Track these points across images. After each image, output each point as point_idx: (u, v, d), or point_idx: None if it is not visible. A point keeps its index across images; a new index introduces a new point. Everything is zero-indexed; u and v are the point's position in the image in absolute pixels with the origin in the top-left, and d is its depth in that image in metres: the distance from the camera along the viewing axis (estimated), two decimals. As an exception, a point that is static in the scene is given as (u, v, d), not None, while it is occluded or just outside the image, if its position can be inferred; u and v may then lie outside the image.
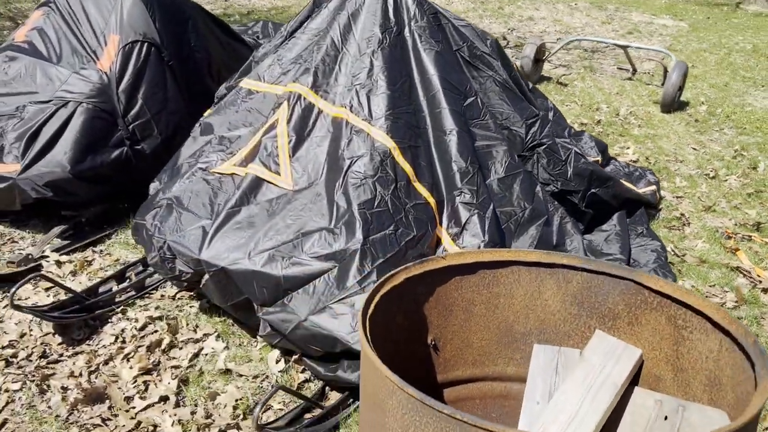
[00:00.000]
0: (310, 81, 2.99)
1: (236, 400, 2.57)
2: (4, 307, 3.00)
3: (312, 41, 3.14)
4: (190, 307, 3.09)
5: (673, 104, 6.66)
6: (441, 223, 2.89)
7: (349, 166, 2.76)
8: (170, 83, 3.87)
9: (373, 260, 2.57)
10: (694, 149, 5.82)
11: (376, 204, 2.69)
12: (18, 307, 2.69)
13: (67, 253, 3.40)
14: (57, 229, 3.45)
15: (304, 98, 2.95)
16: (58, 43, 3.75)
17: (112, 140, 3.58)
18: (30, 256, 3.28)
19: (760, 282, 3.63)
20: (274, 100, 3.06)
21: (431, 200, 2.86)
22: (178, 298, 3.15)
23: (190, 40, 4.05)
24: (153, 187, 3.24)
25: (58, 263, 3.32)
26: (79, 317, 2.87)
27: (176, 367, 2.74)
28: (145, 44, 3.75)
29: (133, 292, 3.12)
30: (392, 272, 1.84)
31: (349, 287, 2.52)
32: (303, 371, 2.74)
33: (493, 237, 2.84)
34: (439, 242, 2.87)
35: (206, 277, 2.70)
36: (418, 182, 2.85)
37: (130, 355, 2.77)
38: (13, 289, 2.63)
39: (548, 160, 3.39)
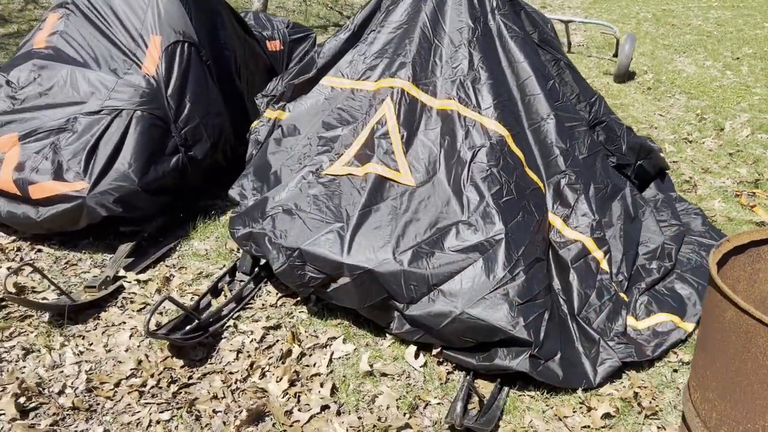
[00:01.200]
0: (410, 75, 2.97)
1: (396, 400, 2.57)
2: (106, 334, 2.82)
3: (395, 34, 3.11)
4: (300, 312, 3.02)
5: (627, 74, 7.08)
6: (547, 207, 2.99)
7: (472, 158, 2.79)
8: (211, 84, 3.70)
9: (517, 248, 2.63)
10: (661, 115, 6.23)
11: (504, 193, 2.74)
12: (153, 334, 2.54)
13: (143, 271, 3.22)
14: (125, 247, 3.24)
15: (407, 93, 2.94)
16: (89, 46, 3.48)
17: (168, 148, 3.39)
18: (108, 278, 3.07)
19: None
20: (367, 96, 3.02)
21: (540, 184, 2.95)
22: (280, 305, 3.07)
23: (220, 37, 3.88)
24: (235, 193, 3.12)
25: (139, 282, 3.13)
26: (202, 336, 2.75)
27: (317, 374, 2.69)
28: (186, 44, 3.57)
29: (233, 304, 3.01)
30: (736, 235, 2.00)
31: (500, 277, 2.57)
32: (441, 363, 2.77)
33: (601, 215, 2.97)
34: (549, 226, 2.96)
35: (343, 280, 2.66)
36: (528, 167, 2.93)
37: (267, 369, 2.69)
38: (148, 317, 2.48)
39: (606, 136, 3.56)
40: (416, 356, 2.77)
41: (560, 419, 2.55)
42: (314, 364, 2.74)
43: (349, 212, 2.71)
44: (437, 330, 2.59)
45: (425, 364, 2.76)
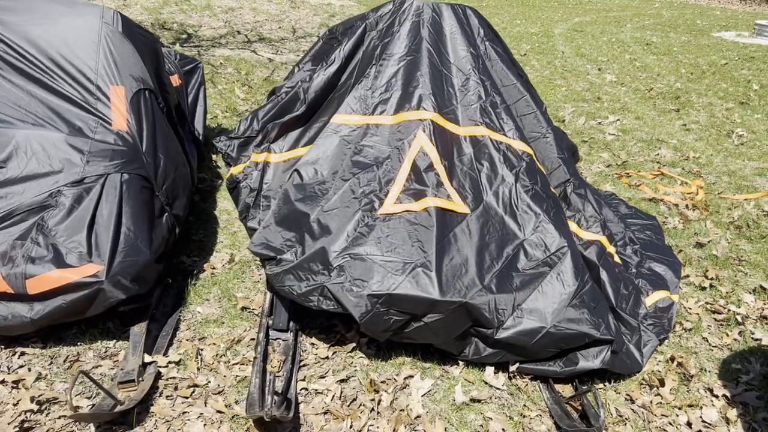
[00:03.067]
0: (435, 106, 3.00)
1: (506, 426, 2.64)
2: (173, 430, 2.49)
3: (400, 66, 3.11)
4: (359, 358, 2.93)
5: None
6: (561, 212, 3.24)
7: (516, 179, 2.92)
8: (172, 133, 3.37)
9: (577, 257, 2.84)
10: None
11: (550, 207, 2.93)
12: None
13: (166, 351, 2.86)
14: (139, 329, 2.85)
15: (437, 124, 2.97)
16: (35, 103, 2.96)
17: (156, 209, 3.04)
18: (141, 368, 2.69)
19: (677, 205, 4.74)
20: (391, 130, 3.00)
21: (556, 193, 3.19)
22: (334, 356, 2.94)
23: (162, 78, 3.53)
24: (261, 249, 2.91)
25: (175, 363, 2.79)
26: (289, 404, 2.56)
27: (418, 416, 2.66)
28: (147, 92, 3.20)
29: (289, 365, 2.82)
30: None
31: (575, 286, 2.76)
32: (513, 377, 2.89)
33: (601, 214, 3.30)
34: (568, 230, 3.22)
35: (431, 317, 2.65)
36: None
37: (371, 425, 2.59)
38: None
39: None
40: (495, 375, 2.86)
41: (633, 401, 2.83)
42: (407, 407, 2.70)
43: (425, 249, 2.70)
44: (528, 347, 2.71)
45: (511, 378, 2.86)
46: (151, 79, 3.26)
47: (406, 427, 2.57)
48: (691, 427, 2.68)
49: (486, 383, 2.85)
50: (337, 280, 2.64)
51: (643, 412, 2.76)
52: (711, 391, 2.90)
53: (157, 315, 3.04)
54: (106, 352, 2.85)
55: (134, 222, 2.81)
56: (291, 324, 3.00)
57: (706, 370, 3.02)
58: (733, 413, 2.74)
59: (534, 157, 3.06)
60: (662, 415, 2.74)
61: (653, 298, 3.35)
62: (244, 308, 3.18)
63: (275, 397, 2.47)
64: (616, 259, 3.22)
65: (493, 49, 3.30)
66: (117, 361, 2.80)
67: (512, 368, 2.84)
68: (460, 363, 2.91)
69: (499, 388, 2.83)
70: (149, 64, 3.30)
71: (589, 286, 2.79)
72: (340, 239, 2.76)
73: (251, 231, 3.15)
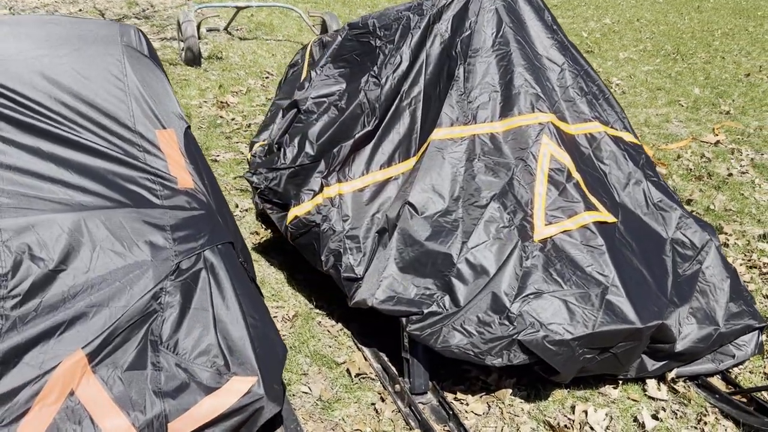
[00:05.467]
0: (548, 106, 2.64)
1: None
2: None
3: (489, 62, 2.69)
4: (519, 403, 2.57)
5: None
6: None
7: (645, 175, 2.70)
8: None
9: (719, 247, 2.73)
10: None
11: (677, 199, 2.77)
12: None
13: None
14: None
15: (556, 126, 2.62)
16: (70, 172, 2.12)
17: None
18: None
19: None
20: (504, 139, 2.60)
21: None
22: (491, 409, 2.56)
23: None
24: (391, 305, 2.42)
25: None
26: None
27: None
28: (188, 128, 2.46)
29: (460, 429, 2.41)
30: None
31: (729, 279, 2.65)
32: (666, 381, 2.75)
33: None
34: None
35: (626, 345, 2.39)
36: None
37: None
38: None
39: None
40: (659, 388, 2.69)
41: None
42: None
43: (604, 272, 2.39)
44: (701, 353, 2.57)
45: (671, 387, 2.70)
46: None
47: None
48: None
49: (651, 398, 2.67)
50: (529, 331, 2.25)
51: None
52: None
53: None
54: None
55: (253, 306, 2.15)
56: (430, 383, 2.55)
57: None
58: None
59: (644, 147, 2.86)
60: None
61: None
62: (357, 375, 2.64)
63: None
64: None
65: (562, 33, 2.99)
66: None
67: (671, 375, 2.68)
68: (608, 384, 2.68)
69: (664, 400, 2.66)
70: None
71: (732, 271, 2.69)
72: (506, 279, 2.35)
73: (349, 282, 2.59)
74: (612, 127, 2.83)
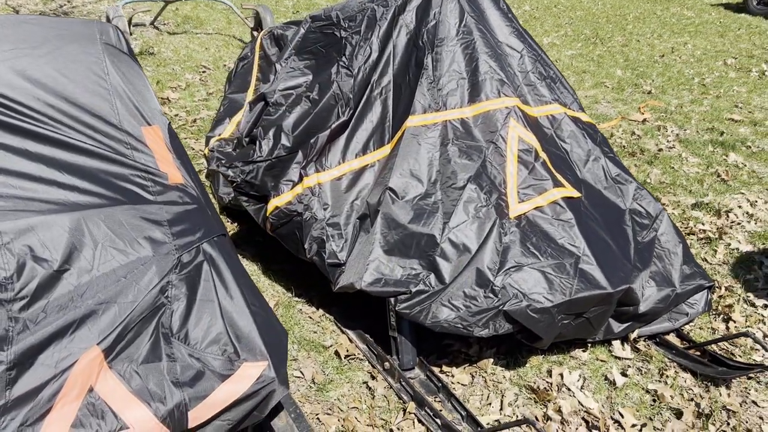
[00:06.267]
0: (513, 90, 2.79)
1: (670, 387, 2.73)
2: None
3: (455, 51, 2.81)
4: (501, 371, 2.73)
5: None
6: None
7: (603, 152, 2.90)
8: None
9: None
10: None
11: (630, 172, 2.99)
12: None
13: (320, 436, 2.37)
14: (281, 420, 2.30)
15: (520, 109, 2.78)
16: (60, 170, 2.11)
17: (239, 271, 2.42)
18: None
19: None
20: (474, 123, 2.74)
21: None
22: (474, 379, 2.71)
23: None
24: (379, 287, 2.52)
25: (343, 448, 2.33)
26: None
27: (587, 411, 2.61)
28: (170, 124, 2.48)
29: (451, 401, 2.54)
30: None
31: (681, 244, 2.89)
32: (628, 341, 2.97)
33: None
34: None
35: (598, 310, 2.58)
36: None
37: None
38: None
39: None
40: (623, 348, 2.91)
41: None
42: (579, 403, 2.62)
43: (575, 243, 2.56)
44: (660, 313, 2.79)
45: (632, 352, 2.92)
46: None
47: (608, 426, 2.50)
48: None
49: (617, 357, 2.88)
50: (513, 301, 2.40)
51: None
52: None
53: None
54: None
55: (253, 295, 2.21)
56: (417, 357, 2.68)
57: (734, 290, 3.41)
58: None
59: (596, 126, 3.07)
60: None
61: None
62: (346, 356, 2.74)
63: None
64: None
65: (517, 21, 3.15)
66: (270, 468, 2.23)
67: (633, 336, 2.90)
68: (580, 347, 2.88)
69: (629, 359, 2.88)
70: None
71: (684, 238, 2.93)
72: (488, 255, 2.49)
73: (333, 268, 2.67)
74: (570, 108, 3.02)
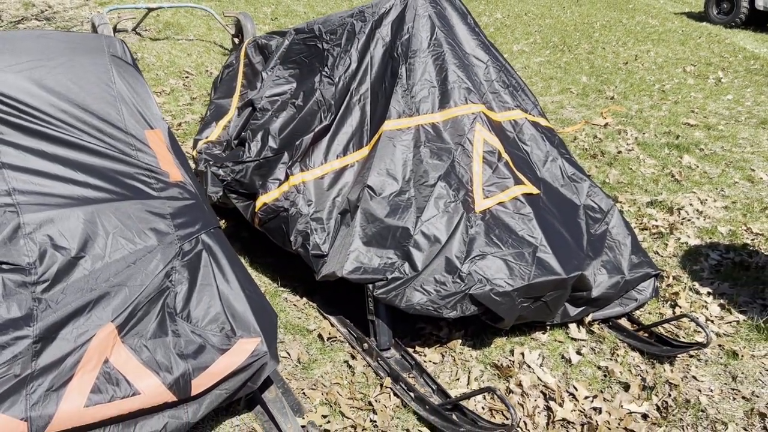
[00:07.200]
0: (479, 97, 3.09)
1: (620, 365, 3.04)
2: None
3: (427, 62, 3.11)
4: (469, 351, 3.03)
5: None
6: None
7: (560, 153, 3.21)
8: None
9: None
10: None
11: (584, 171, 3.31)
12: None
13: (301, 410, 2.64)
14: (271, 393, 2.57)
15: (485, 114, 3.08)
16: (73, 168, 2.36)
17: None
18: (308, 433, 2.47)
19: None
20: (444, 128, 3.03)
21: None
22: (444, 358, 3.00)
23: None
24: (359, 274, 2.80)
25: (323, 417, 2.60)
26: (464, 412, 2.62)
27: (544, 385, 2.91)
28: (169, 128, 2.74)
29: (424, 377, 2.83)
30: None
31: (630, 236, 3.22)
32: (585, 324, 3.28)
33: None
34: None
35: (552, 294, 2.88)
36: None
37: (537, 404, 2.78)
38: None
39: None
40: (578, 331, 3.22)
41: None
42: (539, 378, 2.92)
43: (533, 234, 2.86)
44: (611, 298, 3.10)
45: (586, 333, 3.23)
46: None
47: (563, 398, 2.80)
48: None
49: (573, 339, 3.19)
50: (478, 286, 2.70)
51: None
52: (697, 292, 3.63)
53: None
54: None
55: (247, 280, 2.48)
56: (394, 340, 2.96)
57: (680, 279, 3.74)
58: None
59: (554, 130, 3.38)
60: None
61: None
62: (329, 339, 3.01)
63: (452, 413, 2.53)
64: None
65: (483, 34, 3.46)
66: (260, 436, 2.50)
67: (588, 319, 3.21)
68: (538, 330, 3.18)
69: (584, 340, 3.20)
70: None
71: (633, 231, 3.26)
72: (456, 245, 2.79)
73: (316, 259, 2.94)
74: (530, 114, 3.34)
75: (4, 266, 2.08)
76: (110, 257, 2.24)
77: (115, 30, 6.91)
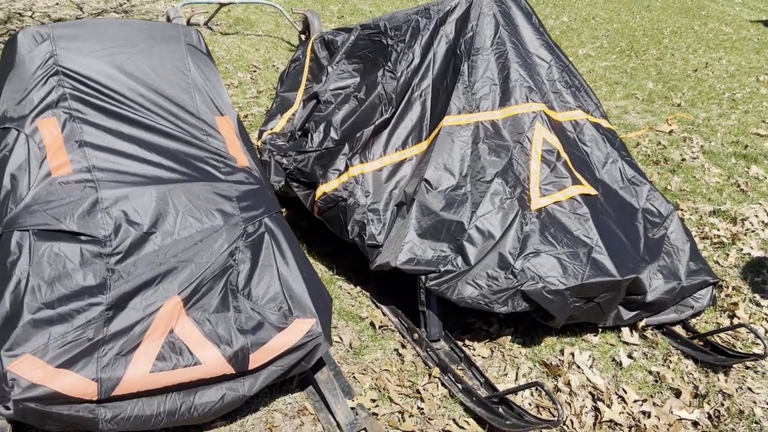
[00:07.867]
0: (540, 96, 3.12)
1: (671, 371, 3.01)
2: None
3: (489, 60, 3.15)
4: (518, 348, 3.05)
5: None
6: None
7: (620, 155, 3.20)
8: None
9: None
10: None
11: (644, 174, 3.29)
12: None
13: (351, 393, 2.72)
14: (323, 375, 2.65)
15: (546, 113, 3.10)
16: (147, 149, 2.51)
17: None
18: (354, 414, 2.54)
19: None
20: (504, 125, 3.07)
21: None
22: (493, 353, 3.04)
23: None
24: (412, 265, 2.85)
25: (372, 401, 2.67)
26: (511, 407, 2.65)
27: (597, 390, 2.91)
28: (238, 116, 2.86)
29: (472, 370, 2.87)
30: None
31: (689, 242, 3.18)
32: (637, 329, 3.26)
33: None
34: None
35: (608, 296, 2.87)
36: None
37: (585, 405, 2.78)
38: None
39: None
40: (631, 334, 3.20)
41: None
42: (588, 379, 2.92)
43: (589, 235, 2.87)
44: (667, 304, 3.07)
45: (639, 338, 3.21)
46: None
47: (612, 399, 2.80)
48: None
49: (625, 342, 3.18)
50: (530, 283, 2.73)
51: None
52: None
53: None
54: (293, 409, 2.61)
55: (306, 264, 2.57)
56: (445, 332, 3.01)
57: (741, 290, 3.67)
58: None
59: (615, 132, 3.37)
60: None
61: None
62: (380, 327, 3.09)
63: (499, 407, 2.56)
64: None
65: (547, 34, 3.48)
66: (311, 415, 2.59)
67: (641, 324, 3.19)
68: (590, 332, 3.17)
69: (636, 344, 3.18)
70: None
71: (692, 237, 3.22)
72: (510, 241, 2.82)
73: (372, 249, 3.02)
74: (592, 115, 3.33)
75: (82, 237, 2.23)
76: (179, 234, 2.37)
77: (188, 24, 7.16)
